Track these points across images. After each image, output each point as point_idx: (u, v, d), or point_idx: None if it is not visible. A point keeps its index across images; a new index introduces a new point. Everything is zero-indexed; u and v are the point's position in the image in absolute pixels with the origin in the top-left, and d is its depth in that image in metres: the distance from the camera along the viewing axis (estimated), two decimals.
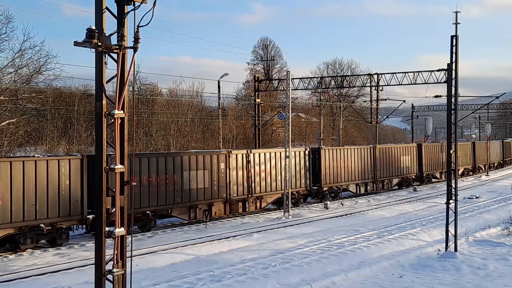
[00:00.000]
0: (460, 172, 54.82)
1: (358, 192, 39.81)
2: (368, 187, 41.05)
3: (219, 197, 28.50)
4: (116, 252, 9.24)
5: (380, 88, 46.48)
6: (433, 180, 51.29)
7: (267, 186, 31.71)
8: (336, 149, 38.20)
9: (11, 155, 38.58)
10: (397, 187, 45.27)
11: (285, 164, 31.45)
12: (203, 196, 27.65)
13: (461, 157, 54.22)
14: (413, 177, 47.31)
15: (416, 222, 27.58)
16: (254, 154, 31.25)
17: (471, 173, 59.64)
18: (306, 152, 35.16)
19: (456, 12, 20.01)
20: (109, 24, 8.86)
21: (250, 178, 30.56)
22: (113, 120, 9.12)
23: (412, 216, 30.29)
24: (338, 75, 64.77)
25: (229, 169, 29.18)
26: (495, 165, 69.86)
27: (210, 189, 28.00)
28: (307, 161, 34.88)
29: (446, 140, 21.55)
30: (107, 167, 9.04)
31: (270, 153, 32.60)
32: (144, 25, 8.83)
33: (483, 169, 63.18)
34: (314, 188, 35.71)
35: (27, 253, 20.93)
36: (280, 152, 32.66)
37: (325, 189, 36.35)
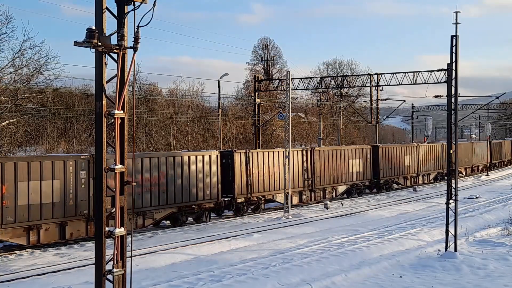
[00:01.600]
0: (431, 177, 51.33)
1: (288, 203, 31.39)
2: (304, 196, 35.40)
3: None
4: (116, 252, 9.23)
5: (380, 88, 46.40)
6: (395, 186, 45.86)
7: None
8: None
9: (11, 155, 38.60)
10: (345, 196, 39.77)
11: (284, 164, 31.46)
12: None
13: (433, 160, 50.78)
14: (367, 183, 41.74)
15: (416, 222, 27.58)
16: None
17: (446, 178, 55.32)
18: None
19: (456, 12, 20.02)
20: (109, 24, 8.87)
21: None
22: (113, 120, 9.11)
23: (412, 216, 30.29)
24: (338, 75, 64.73)
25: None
26: (480, 168, 63.83)
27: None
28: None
29: (446, 140, 21.55)
30: (107, 167, 9.04)
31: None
32: (144, 25, 8.83)
33: (463, 174, 57.19)
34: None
35: (27, 253, 20.94)
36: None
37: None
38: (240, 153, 30.43)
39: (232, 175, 29.78)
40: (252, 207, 31.76)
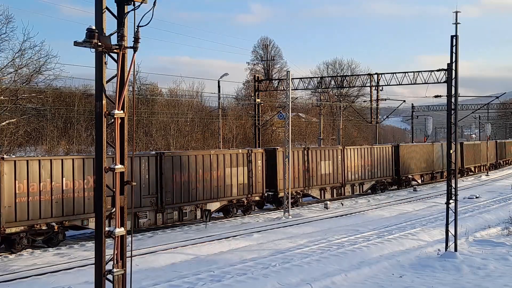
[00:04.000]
0: (366, 187, 41.14)
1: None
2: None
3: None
4: (116, 252, 9.23)
5: (380, 88, 46.43)
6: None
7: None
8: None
9: (12, 155, 38.56)
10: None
11: (285, 164, 31.49)
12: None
13: (368, 166, 41.67)
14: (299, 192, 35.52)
15: (416, 222, 27.58)
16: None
17: (395, 186, 45.84)
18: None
19: (456, 12, 20.03)
20: (109, 24, 8.86)
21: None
22: (113, 120, 9.11)
23: (412, 216, 30.30)
24: (338, 75, 64.75)
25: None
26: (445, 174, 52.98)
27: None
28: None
29: (446, 140, 21.55)
30: (107, 167, 9.04)
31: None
32: (144, 25, 8.83)
33: (418, 182, 48.83)
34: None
35: (27, 253, 20.94)
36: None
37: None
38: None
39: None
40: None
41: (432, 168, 51.58)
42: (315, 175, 35.50)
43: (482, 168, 65.19)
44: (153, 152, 27.51)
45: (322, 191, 36.58)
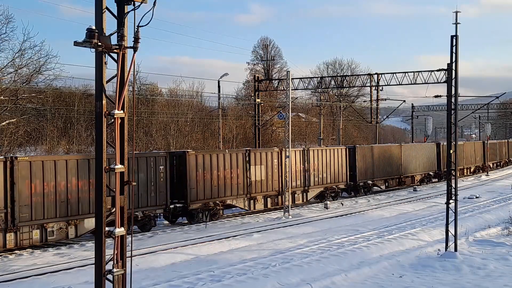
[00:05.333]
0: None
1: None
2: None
3: None
4: (116, 252, 9.23)
5: (380, 88, 46.47)
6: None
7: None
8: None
9: (11, 155, 38.57)
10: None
11: (285, 164, 31.49)
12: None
13: (334, 169, 37.94)
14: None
15: (416, 222, 27.59)
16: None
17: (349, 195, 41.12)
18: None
19: (456, 12, 20.04)
20: (109, 24, 8.87)
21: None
22: (113, 120, 9.11)
23: (412, 216, 30.30)
24: (338, 75, 64.76)
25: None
26: (417, 179, 48.91)
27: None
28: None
29: (446, 140, 21.55)
30: (107, 167, 9.04)
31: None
32: (144, 25, 8.84)
33: (381, 187, 44.09)
34: None
35: (27, 253, 20.95)
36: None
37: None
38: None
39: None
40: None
41: (400, 172, 45.60)
42: (242, 182, 30.35)
43: (465, 171, 58.29)
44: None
45: (253, 201, 31.36)
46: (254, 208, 31.68)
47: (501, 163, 73.55)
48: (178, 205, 27.34)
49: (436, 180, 52.48)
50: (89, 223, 22.50)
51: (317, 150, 36.76)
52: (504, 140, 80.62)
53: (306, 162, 35.12)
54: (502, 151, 74.09)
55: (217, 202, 29.17)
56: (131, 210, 9.79)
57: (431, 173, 51.43)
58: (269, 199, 32.70)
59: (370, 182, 41.80)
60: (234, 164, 30.04)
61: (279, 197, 33.04)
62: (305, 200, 35.49)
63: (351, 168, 39.51)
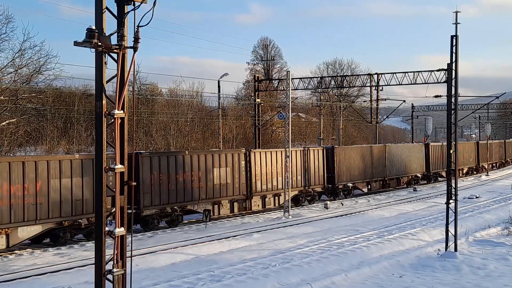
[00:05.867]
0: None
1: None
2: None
3: None
4: (116, 252, 9.23)
5: (380, 88, 46.45)
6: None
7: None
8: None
9: (11, 155, 38.61)
10: None
11: (286, 164, 31.48)
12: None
13: (310, 171, 35.86)
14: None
15: (416, 222, 27.59)
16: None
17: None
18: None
19: (456, 12, 20.04)
20: (109, 24, 8.86)
21: None
22: (113, 120, 9.11)
23: (412, 216, 30.30)
24: (338, 75, 64.75)
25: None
26: (403, 181, 46.96)
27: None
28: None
29: (446, 140, 21.56)
30: (107, 167, 9.04)
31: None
32: (144, 25, 8.83)
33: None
34: None
35: (27, 253, 20.95)
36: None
37: None
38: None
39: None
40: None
41: (384, 174, 43.67)
42: (204, 185, 28.17)
43: (458, 172, 54.65)
44: None
45: (217, 205, 29.26)
46: (219, 214, 29.36)
47: (497, 164, 71.12)
48: (129, 211, 24.71)
49: (425, 182, 50.49)
50: (23, 232, 20.67)
51: (292, 151, 33.25)
52: (495, 141, 76.74)
53: (278, 164, 32.81)
54: (498, 152, 71.63)
55: (176, 208, 26.81)
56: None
57: (419, 175, 49.18)
58: (235, 204, 30.27)
59: (351, 184, 39.55)
60: (196, 166, 27.72)
61: (247, 201, 30.91)
62: (277, 205, 32.90)
63: (330, 170, 37.40)
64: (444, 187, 35.56)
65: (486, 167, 64.93)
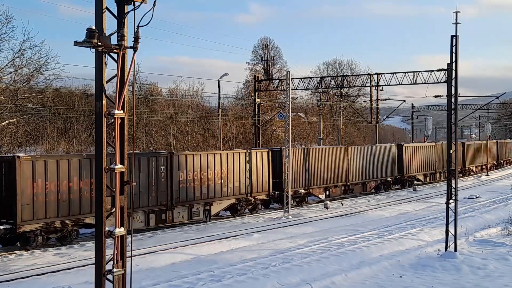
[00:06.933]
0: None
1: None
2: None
3: None
4: (116, 252, 9.23)
5: (380, 88, 46.53)
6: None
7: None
8: None
9: (10, 154, 38.60)
10: None
11: (285, 164, 31.49)
12: None
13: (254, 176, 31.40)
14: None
15: (416, 222, 27.59)
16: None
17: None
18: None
19: (456, 12, 20.05)
20: (109, 24, 8.87)
21: None
22: (113, 120, 9.11)
23: (412, 216, 30.30)
24: (338, 75, 64.79)
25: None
26: (370, 186, 42.48)
27: None
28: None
29: (446, 140, 21.56)
30: (107, 167, 9.04)
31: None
32: (144, 25, 8.84)
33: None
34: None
35: (27, 253, 20.94)
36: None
37: None
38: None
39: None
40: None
41: (346, 179, 39.11)
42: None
43: (439, 175, 51.40)
44: None
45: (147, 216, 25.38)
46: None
47: (487, 167, 64.84)
48: (3, 226, 20.39)
49: (398, 187, 46.02)
50: None
51: (229, 153, 30.19)
52: (485, 141, 67.98)
53: (211, 169, 28.34)
54: (488, 153, 65.35)
55: (67, 222, 22.05)
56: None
57: (389, 179, 44.42)
58: (151, 215, 25.49)
59: (303, 191, 34.97)
60: (87, 172, 22.48)
61: (168, 212, 26.24)
62: (208, 217, 27.28)
63: (277, 175, 32.73)
64: (444, 187, 35.54)
65: (475, 170, 61.38)
